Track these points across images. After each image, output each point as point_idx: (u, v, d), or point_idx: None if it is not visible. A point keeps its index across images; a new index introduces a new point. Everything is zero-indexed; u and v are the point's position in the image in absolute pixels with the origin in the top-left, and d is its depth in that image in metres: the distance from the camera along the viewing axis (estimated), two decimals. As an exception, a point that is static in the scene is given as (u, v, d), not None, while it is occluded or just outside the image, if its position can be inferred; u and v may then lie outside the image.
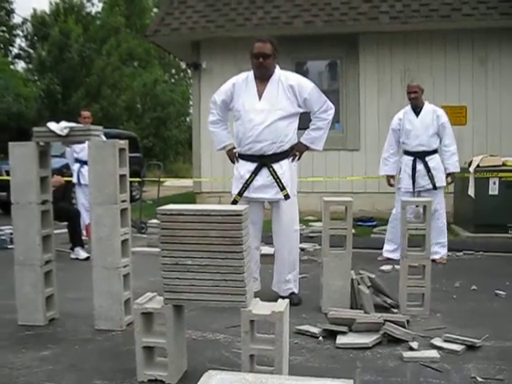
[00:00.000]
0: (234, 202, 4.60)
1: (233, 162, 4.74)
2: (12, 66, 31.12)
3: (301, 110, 4.56)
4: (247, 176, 4.55)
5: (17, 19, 32.63)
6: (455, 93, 10.08)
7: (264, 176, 4.52)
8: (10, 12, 31.76)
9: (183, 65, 33.28)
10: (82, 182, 8.01)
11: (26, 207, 4.11)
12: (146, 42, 23.00)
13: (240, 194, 4.59)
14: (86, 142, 4.17)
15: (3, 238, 7.64)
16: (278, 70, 4.53)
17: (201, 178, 10.86)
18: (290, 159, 4.59)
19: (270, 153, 4.48)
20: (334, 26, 10.09)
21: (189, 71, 25.33)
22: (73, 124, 4.30)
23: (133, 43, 31.21)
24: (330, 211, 4.41)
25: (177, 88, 34.19)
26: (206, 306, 3.07)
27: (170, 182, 19.14)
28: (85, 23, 29.46)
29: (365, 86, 10.43)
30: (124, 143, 4.07)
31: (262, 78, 4.48)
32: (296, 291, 4.73)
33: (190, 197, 12.44)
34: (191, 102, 19.00)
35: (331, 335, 3.76)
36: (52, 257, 4.30)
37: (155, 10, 32.76)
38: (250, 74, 4.56)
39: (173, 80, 37.87)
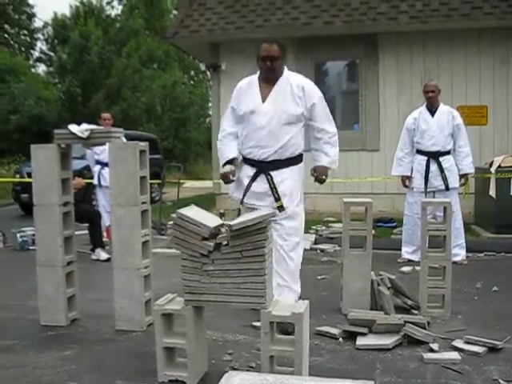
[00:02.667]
0: (238, 211, 4.24)
1: (225, 183, 4.35)
2: (33, 69, 31.50)
3: (306, 115, 4.15)
4: (246, 182, 4.24)
5: (38, 23, 33.14)
6: (476, 92, 9.98)
7: (261, 183, 4.15)
8: (31, 16, 32.20)
9: (203, 66, 33.40)
10: (103, 183, 8.08)
11: (47, 209, 4.15)
12: (165, 43, 23.05)
13: (241, 201, 4.27)
14: (107, 144, 4.21)
15: (25, 239, 7.73)
16: (286, 72, 4.18)
17: (221, 180, 10.86)
18: (295, 168, 4.18)
19: (271, 159, 4.10)
20: (353, 27, 10.05)
21: (208, 73, 25.39)
22: (93, 126, 4.35)
23: (152, 45, 31.36)
24: (350, 212, 4.40)
25: (196, 89, 34.27)
26: (226, 307, 3.08)
27: (189, 184, 19.18)
28: (104, 26, 29.62)
29: (384, 86, 10.38)
30: (144, 145, 4.10)
31: (269, 80, 4.13)
32: None
33: (209, 198, 12.46)
34: (210, 104, 19.06)
35: (351, 336, 3.76)
36: (73, 258, 4.35)
37: (174, 12, 32.83)
38: (254, 77, 4.25)
39: (192, 82, 37.97)
